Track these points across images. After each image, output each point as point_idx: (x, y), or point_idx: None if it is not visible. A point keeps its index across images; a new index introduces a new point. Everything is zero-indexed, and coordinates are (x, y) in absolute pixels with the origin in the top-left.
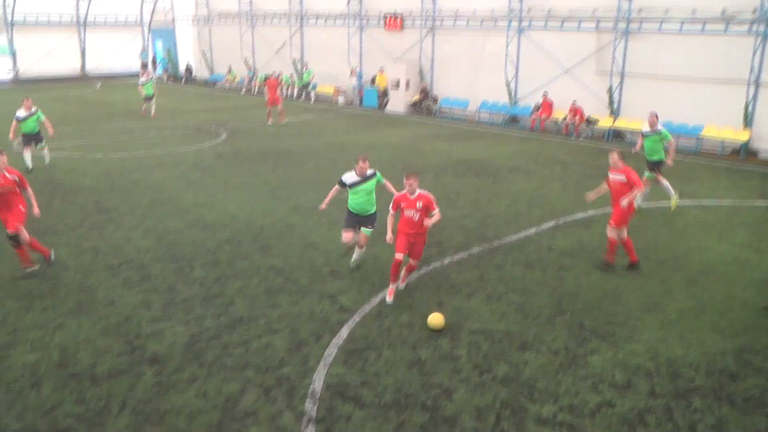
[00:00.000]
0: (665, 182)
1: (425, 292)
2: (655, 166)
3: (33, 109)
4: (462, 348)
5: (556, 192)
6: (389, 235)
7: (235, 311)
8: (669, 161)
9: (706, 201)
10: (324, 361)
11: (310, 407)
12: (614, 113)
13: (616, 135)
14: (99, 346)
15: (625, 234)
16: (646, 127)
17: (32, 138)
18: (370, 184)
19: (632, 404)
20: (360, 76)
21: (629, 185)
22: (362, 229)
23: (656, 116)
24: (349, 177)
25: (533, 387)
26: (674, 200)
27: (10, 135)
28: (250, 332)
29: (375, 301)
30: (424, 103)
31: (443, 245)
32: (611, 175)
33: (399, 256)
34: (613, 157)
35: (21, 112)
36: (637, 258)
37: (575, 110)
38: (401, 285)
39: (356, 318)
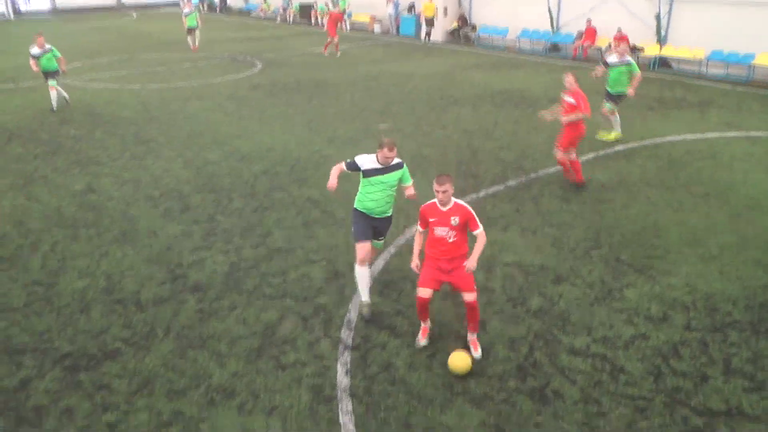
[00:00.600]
0: (617, 117)
1: None
2: (618, 98)
3: (47, 47)
4: (496, 280)
5: (597, 123)
6: (415, 261)
7: (272, 242)
8: (631, 91)
9: (755, 132)
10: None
11: (346, 335)
12: (661, 41)
13: (663, 63)
14: (143, 274)
15: (573, 155)
16: (613, 57)
17: (51, 75)
18: (394, 176)
19: (667, 337)
20: (397, 4)
21: (575, 108)
22: (372, 241)
23: (627, 44)
24: (368, 161)
25: (567, 319)
26: (614, 134)
27: (34, 68)
28: (287, 262)
29: (409, 233)
30: (462, 31)
31: (479, 177)
32: (564, 97)
33: (424, 293)
34: (569, 79)
35: (35, 50)
36: (583, 179)
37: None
38: (476, 353)
39: (391, 249)
